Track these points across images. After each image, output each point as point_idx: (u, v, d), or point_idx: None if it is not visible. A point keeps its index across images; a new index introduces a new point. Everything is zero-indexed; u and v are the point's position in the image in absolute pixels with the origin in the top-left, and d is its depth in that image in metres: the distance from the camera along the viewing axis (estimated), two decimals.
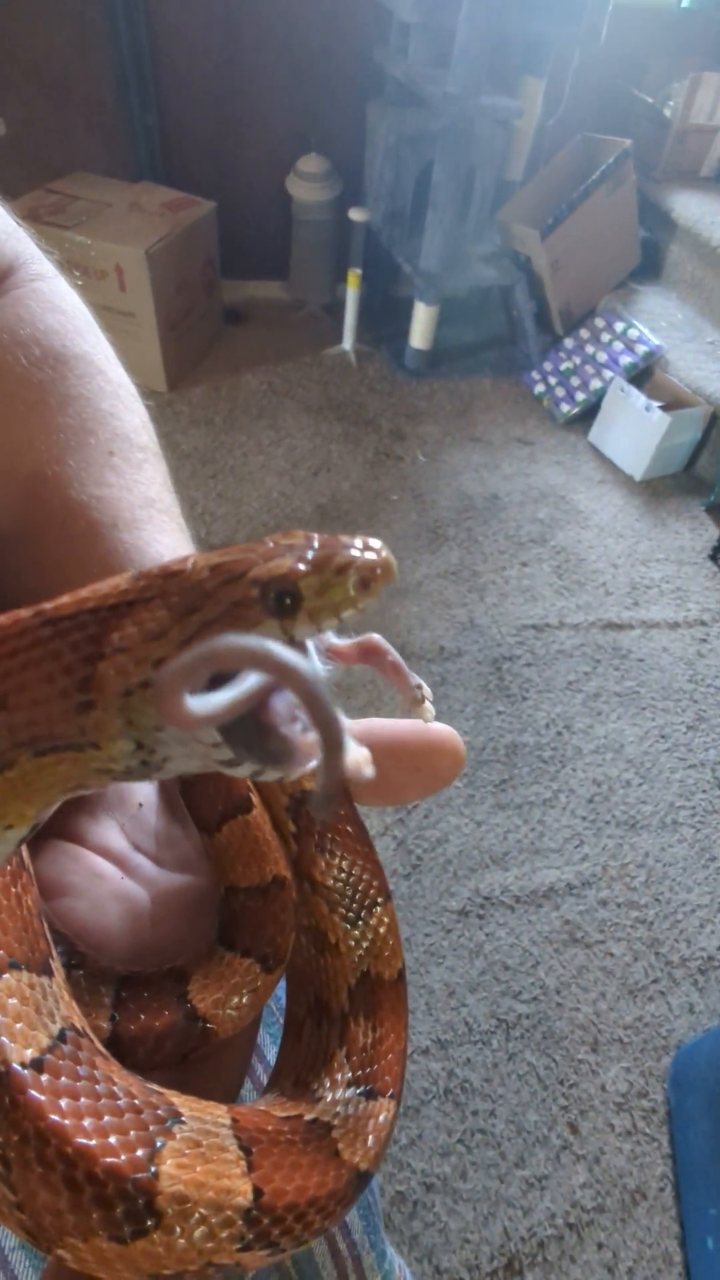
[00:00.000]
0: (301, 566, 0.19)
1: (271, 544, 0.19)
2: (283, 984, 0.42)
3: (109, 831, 0.31)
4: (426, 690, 0.23)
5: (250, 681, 0.18)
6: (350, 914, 0.31)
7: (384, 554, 0.20)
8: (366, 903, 0.31)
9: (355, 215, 2.19)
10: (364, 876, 0.32)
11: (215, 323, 2.46)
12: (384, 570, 0.20)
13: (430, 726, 0.30)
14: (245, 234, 2.42)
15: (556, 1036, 1.16)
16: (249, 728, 0.19)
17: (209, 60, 2.14)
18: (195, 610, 0.19)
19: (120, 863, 0.30)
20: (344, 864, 0.32)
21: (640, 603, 1.83)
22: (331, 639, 0.22)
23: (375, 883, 0.32)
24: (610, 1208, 1.03)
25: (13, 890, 0.23)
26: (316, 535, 0.20)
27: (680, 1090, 1.10)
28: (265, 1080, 0.37)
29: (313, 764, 0.21)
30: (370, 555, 0.20)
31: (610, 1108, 1.11)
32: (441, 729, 0.29)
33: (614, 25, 1.99)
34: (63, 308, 0.35)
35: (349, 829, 0.32)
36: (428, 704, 0.23)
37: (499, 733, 1.53)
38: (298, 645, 0.20)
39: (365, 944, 0.31)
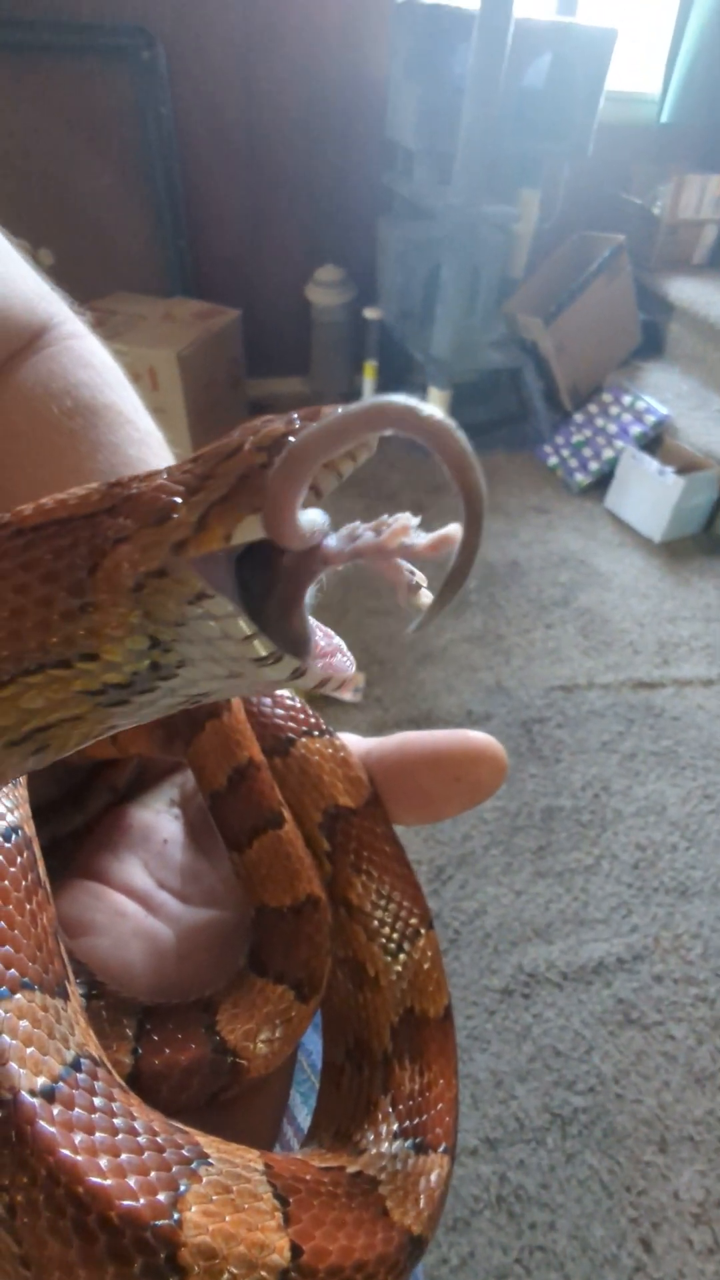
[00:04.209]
0: (299, 422, 0.17)
1: (244, 427, 0.18)
2: (315, 1033, 0.39)
3: (132, 869, 0.31)
4: (420, 577, 0.20)
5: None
6: (391, 944, 0.29)
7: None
8: (408, 931, 0.30)
9: (370, 314, 2.36)
10: (404, 902, 0.30)
11: (240, 416, 2.61)
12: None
13: (470, 735, 0.29)
14: (268, 337, 2.61)
15: (619, 1134, 1.05)
16: (270, 610, 0.18)
17: (235, 190, 2.39)
18: (198, 491, 0.17)
19: (143, 900, 0.30)
20: (383, 887, 0.30)
21: (670, 661, 1.80)
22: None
23: (416, 909, 0.30)
24: None
25: (27, 906, 0.21)
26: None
27: None
28: (297, 1146, 0.34)
29: (344, 668, 0.20)
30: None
31: (686, 1219, 0.98)
32: (481, 737, 0.28)
33: (600, 140, 2.18)
34: (94, 363, 0.37)
35: (386, 848, 0.30)
36: (424, 590, 0.20)
37: (533, 796, 1.48)
38: (322, 508, 0.18)
39: (408, 977, 0.29)
